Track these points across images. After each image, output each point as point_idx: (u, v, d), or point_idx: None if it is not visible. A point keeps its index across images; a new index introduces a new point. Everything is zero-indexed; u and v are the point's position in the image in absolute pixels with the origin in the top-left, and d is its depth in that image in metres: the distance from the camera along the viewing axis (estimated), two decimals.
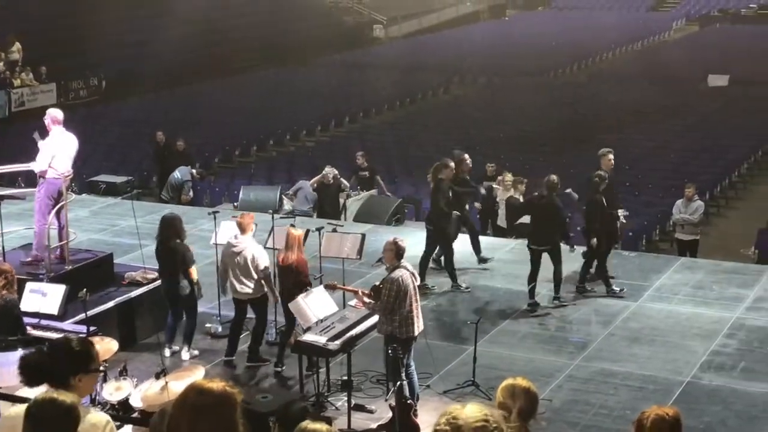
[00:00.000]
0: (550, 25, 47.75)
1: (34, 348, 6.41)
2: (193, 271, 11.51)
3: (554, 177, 13.40)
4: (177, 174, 19.80)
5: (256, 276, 11.28)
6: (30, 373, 5.23)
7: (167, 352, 11.62)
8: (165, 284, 11.70)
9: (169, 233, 11.52)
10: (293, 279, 11.09)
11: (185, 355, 11.62)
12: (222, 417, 3.62)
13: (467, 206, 15.38)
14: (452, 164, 14.05)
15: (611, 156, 14.09)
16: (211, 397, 3.65)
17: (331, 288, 10.83)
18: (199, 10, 36.74)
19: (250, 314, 11.65)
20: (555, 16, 52.50)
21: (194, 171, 20.21)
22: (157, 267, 12.48)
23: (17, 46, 30.58)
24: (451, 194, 13.99)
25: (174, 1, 36.16)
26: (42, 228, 11.78)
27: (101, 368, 5.87)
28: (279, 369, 11.29)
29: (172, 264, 11.45)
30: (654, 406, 4.88)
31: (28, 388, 5.25)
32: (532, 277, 13.27)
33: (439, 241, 14.11)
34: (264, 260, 11.33)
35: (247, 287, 11.31)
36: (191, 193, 19.87)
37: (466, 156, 14.94)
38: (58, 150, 11.68)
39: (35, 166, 11.72)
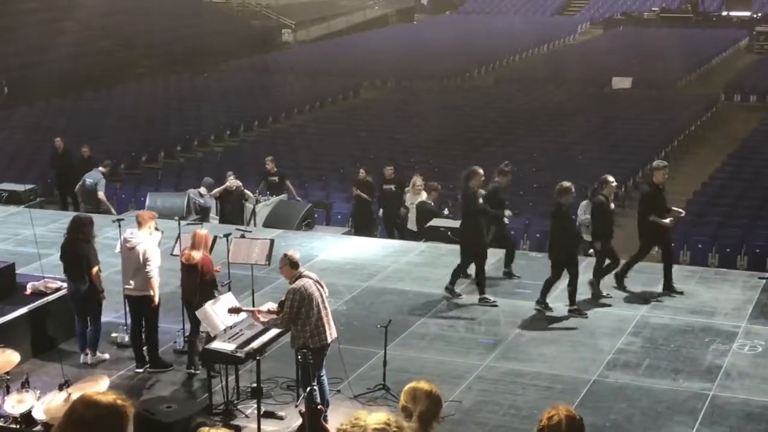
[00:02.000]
0: (457, 29, 48.15)
1: None
2: (96, 272, 11.31)
3: (566, 183, 13.35)
4: (88, 180, 19.32)
5: (145, 272, 11.13)
6: None
7: (83, 359, 11.46)
8: (70, 286, 11.49)
9: (77, 234, 11.34)
10: (198, 278, 10.96)
11: (90, 359, 11.43)
12: (112, 430, 3.53)
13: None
14: (481, 171, 13.62)
15: (666, 170, 14.15)
16: (99, 410, 3.54)
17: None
18: (100, 15, 36.17)
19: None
20: (462, 20, 52.95)
21: (102, 168, 19.64)
22: (59, 277, 12.28)
23: None
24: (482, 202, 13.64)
25: (73, 6, 35.53)
26: None
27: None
28: (194, 372, 11.17)
29: (77, 265, 11.25)
30: (554, 407, 4.75)
31: None
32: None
33: (471, 251, 13.71)
34: (155, 257, 11.19)
35: (136, 283, 11.18)
36: (103, 192, 19.18)
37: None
38: None
39: None
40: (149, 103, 32.04)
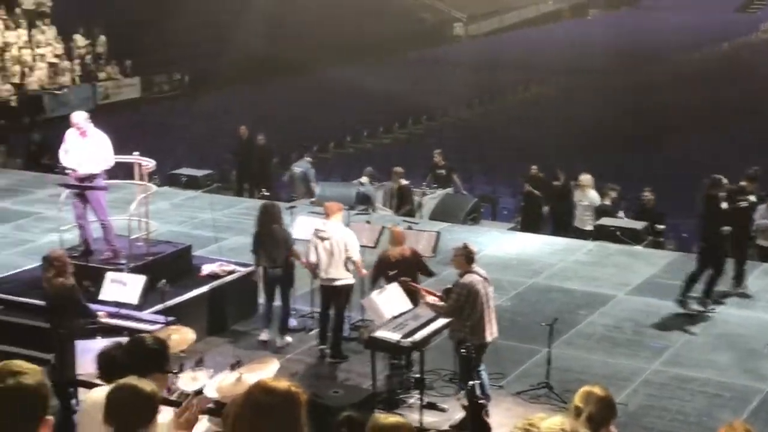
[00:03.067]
0: (632, 25, 47.10)
1: (112, 342, 6.53)
2: (296, 254, 11.72)
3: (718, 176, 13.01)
4: (297, 169, 19.78)
5: (344, 262, 11.36)
6: (107, 368, 5.33)
7: (265, 337, 11.86)
8: (265, 270, 11.86)
9: (268, 219, 11.72)
10: (417, 271, 11.20)
11: (279, 342, 11.79)
12: (286, 417, 3.61)
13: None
14: (725, 181, 13.20)
15: None
16: (275, 397, 3.64)
17: (405, 285, 10.82)
18: (276, 7, 36.97)
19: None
20: (637, 15, 51.76)
21: (309, 158, 20.14)
22: (234, 260, 12.72)
23: (102, 39, 31.16)
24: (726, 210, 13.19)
25: (251, 1, 36.48)
26: (109, 221, 12.23)
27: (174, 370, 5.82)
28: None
29: (273, 249, 11.60)
30: (730, 425, 4.73)
31: (104, 382, 5.35)
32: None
33: (711, 260, 13.24)
34: (353, 243, 11.43)
35: (330, 273, 11.39)
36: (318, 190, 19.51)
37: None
38: (107, 148, 11.96)
39: (93, 165, 11.91)
40: (320, 95, 32.60)
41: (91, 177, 11.93)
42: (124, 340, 9.01)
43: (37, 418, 3.13)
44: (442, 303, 10.06)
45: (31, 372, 3.13)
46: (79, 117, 12.05)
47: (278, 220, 11.85)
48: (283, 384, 3.68)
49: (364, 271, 11.64)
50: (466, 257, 9.95)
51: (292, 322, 12.25)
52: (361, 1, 43.99)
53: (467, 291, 9.74)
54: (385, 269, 11.30)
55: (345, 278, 11.49)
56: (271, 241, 11.73)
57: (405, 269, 11.16)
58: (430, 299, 10.22)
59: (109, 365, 5.28)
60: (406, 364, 10.63)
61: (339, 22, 40.14)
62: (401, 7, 48.10)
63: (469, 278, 9.83)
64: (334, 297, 11.57)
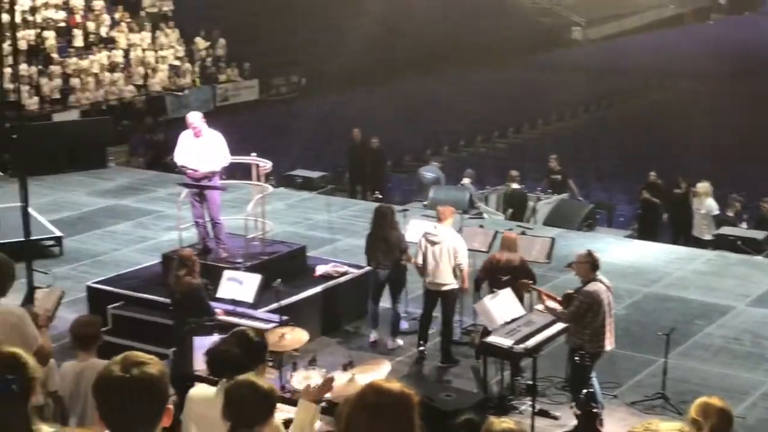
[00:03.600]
0: (755, 29, 45.87)
1: (219, 339, 6.66)
2: (411, 256, 11.75)
3: None
4: (427, 174, 19.84)
5: (452, 267, 11.33)
6: (216, 364, 5.44)
7: (373, 337, 11.92)
8: (376, 271, 11.92)
9: (382, 222, 11.78)
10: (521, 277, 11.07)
11: (390, 344, 11.83)
12: (399, 418, 3.63)
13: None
14: None
15: None
16: (389, 398, 3.67)
17: (525, 288, 10.75)
18: (390, 10, 37.13)
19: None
20: (761, 20, 50.37)
21: (436, 163, 20.19)
22: (347, 261, 12.82)
23: (222, 42, 31.79)
24: None
25: (368, 2, 36.71)
26: (221, 221, 12.43)
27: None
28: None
29: (386, 251, 11.68)
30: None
31: (213, 377, 5.45)
32: None
33: None
34: (463, 251, 11.39)
35: (438, 277, 11.37)
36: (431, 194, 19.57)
37: None
38: (223, 147, 12.16)
39: (211, 164, 12.12)
40: (434, 98, 32.63)
41: (209, 176, 12.15)
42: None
43: (161, 406, 3.22)
44: (562, 308, 9.94)
45: (153, 362, 3.23)
46: (194, 117, 12.28)
47: (392, 223, 11.88)
48: (396, 385, 3.70)
49: (467, 286, 11.58)
50: (591, 265, 9.79)
51: (404, 325, 12.27)
52: (478, 5, 43.89)
53: (591, 300, 9.60)
54: (493, 274, 11.24)
55: (452, 283, 11.45)
56: (384, 243, 11.78)
57: (512, 275, 11.07)
58: (551, 303, 10.11)
59: (219, 361, 5.39)
60: (516, 370, 10.55)
61: (456, 26, 40.10)
62: (519, 11, 47.83)
63: (593, 287, 9.67)
64: (441, 301, 11.55)
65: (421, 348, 11.64)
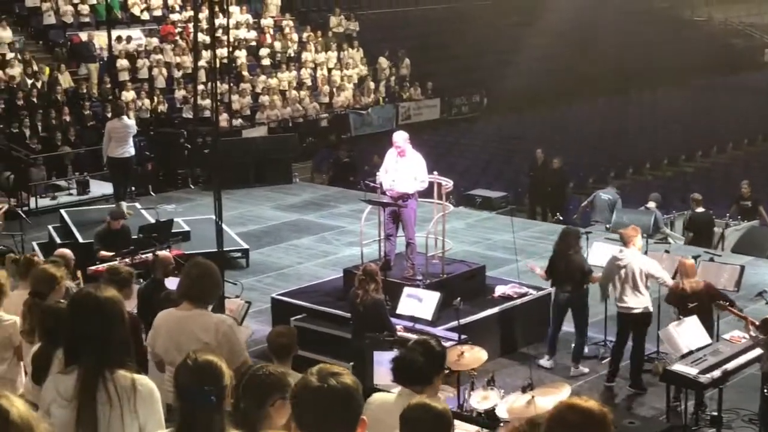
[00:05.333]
0: None
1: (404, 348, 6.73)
2: (593, 279, 11.60)
3: None
4: (604, 196, 19.63)
5: (642, 290, 11.09)
6: (402, 372, 5.53)
7: (546, 364, 11.75)
8: (557, 295, 11.83)
9: (566, 245, 11.65)
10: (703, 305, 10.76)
11: (573, 371, 11.67)
12: None
13: None
14: None
15: None
16: (586, 416, 3.65)
17: (721, 308, 10.43)
18: (576, 29, 36.72)
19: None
20: None
21: (616, 187, 19.96)
22: (525, 282, 12.73)
23: (406, 62, 32.20)
24: None
25: (551, 22, 36.45)
26: (415, 240, 12.50)
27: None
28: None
29: (568, 275, 11.56)
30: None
31: (398, 385, 5.52)
32: None
33: None
34: (655, 269, 11.14)
35: (632, 301, 11.13)
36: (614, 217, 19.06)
37: None
38: (422, 169, 12.23)
39: (407, 186, 12.21)
40: (616, 119, 32.07)
41: (405, 196, 12.26)
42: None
43: (355, 416, 3.30)
44: (758, 334, 9.59)
45: (346, 373, 3.30)
46: (398, 137, 12.39)
47: (575, 246, 11.71)
48: (593, 404, 3.68)
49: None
50: None
51: (585, 350, 12.07)
52: (666, 25, 42.92)
53: None
54: (679, 302, 10.92)
55: (641, 306, 11.18)
56: (566, 266, 11.63)
57: (698, 301, 10.73)
58: (752, 332, 9.78)
59: (405, 370, 5.49)
60: (700, 400, 10.22)
61: (643, 46, 39.29)
62: (709, 31, 46.47)
63: None
64: (632, 326, 11.29)
65: (611, 384, 11.41)
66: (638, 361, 11.34)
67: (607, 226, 18.38)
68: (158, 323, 6.42)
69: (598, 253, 12.52)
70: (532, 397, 8.17)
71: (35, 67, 24.83)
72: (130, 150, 17.47)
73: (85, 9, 27.71)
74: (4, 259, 9.69)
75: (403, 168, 12.20)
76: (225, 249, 12.87)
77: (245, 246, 16.15)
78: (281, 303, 12.82)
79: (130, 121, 18.07)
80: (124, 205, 17.02)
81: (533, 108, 32.73)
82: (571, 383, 10.40)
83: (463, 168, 24.67)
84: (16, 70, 24.24)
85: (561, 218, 20.18)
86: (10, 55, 24.75)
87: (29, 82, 24.19)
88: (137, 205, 18.15)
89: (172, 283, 9.40)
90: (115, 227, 13.96)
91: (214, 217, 11.41)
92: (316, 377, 3.28)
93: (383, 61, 31.77)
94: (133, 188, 19.76)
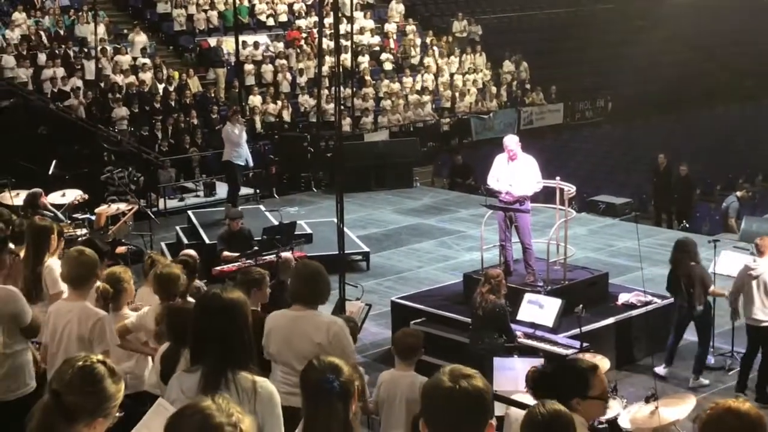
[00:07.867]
0: None
1: (545, 362, 6.67)
2: (716, 292, 11.34)
3: None
4: (728, 203, 19.18)
5: None
6: (538, 384, 5.48)
7: (662, 372, 11.48)
8: (680, 307, 11.57)
9: (683, 256, 11.38)
10: None
11: (691, 382, 11.39)
12: None
13: None
14: None
15: None
16: (747, 421, 3.61)
17: None
18: (703, 35, 35.84)
19: None
20: None
21: (738, 193, 19.49)
22: (650, 291, 12.48)
23: (524, 65, 31.95)
24: None
25: (680, 26, 35.65)
26: (532, 245, 12.41)
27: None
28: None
29: (689, 287, 11.31)
30: None
31: (533, 397, 5.46)
32: None
33: None
34: None
35: (762, 314, 10.83)
36: (733, 220, 18.77)
37: None
38: (536, 172, 12.15)
39: (523, 189, 12.13)
40: (749, 125, 31.14)
41: (521, 200, 12.19)
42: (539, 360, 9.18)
43: (485, 418, 3.29)
44: None
45: (477, 375, 3.30)
46: (510, 141, 12.34)
47: (694, 257, 11.39)
48: (749, 407, 3.67)
49: None
50: None
51: (710, 360, 11.76)
52: None
53: None
54: None
55: None
56: (686, 279, 11.33)
57: None
58: None
59: (541, 383, 5.43)
60: None
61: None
62: None
63: None
64: (762, 339, 10.95)
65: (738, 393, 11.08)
66: (766, 375, 10.99)
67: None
68: (271, 324, 6.51)
69: (726, 261, 12.19)
70: (656, 407, 8.00)
71: (165, 72, 25.51)
72: (233, 154, 17.66)
73: (213, 15, 28.35)
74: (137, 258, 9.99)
75: (519, 171, 12.14)
76: (346, 252, 12.98)
77: (366, 249, 16.26)
78: (401, 306, 12.86)
79: (238, 127, 18.00)
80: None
81: (659, 113, 32.05)
82: (696, 395, 10.15)
83: (586, 173, 24.32)
84: (147, 75, 24.95)
85: (687, 225, 19.72)
86: (142, 61, 25.49)
87: (160, 86, 24.88)
88: (261, 207, 18.44)
89: None
90: (234, 228, 14.19)
91: (335, 219, 11.54)
92: (448, 377, 3.28)
93: (506, 65, 31.59)
94: (257, 191, 20.02)
